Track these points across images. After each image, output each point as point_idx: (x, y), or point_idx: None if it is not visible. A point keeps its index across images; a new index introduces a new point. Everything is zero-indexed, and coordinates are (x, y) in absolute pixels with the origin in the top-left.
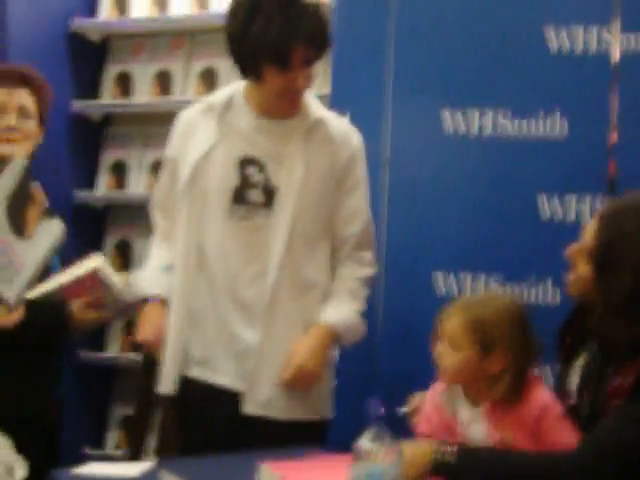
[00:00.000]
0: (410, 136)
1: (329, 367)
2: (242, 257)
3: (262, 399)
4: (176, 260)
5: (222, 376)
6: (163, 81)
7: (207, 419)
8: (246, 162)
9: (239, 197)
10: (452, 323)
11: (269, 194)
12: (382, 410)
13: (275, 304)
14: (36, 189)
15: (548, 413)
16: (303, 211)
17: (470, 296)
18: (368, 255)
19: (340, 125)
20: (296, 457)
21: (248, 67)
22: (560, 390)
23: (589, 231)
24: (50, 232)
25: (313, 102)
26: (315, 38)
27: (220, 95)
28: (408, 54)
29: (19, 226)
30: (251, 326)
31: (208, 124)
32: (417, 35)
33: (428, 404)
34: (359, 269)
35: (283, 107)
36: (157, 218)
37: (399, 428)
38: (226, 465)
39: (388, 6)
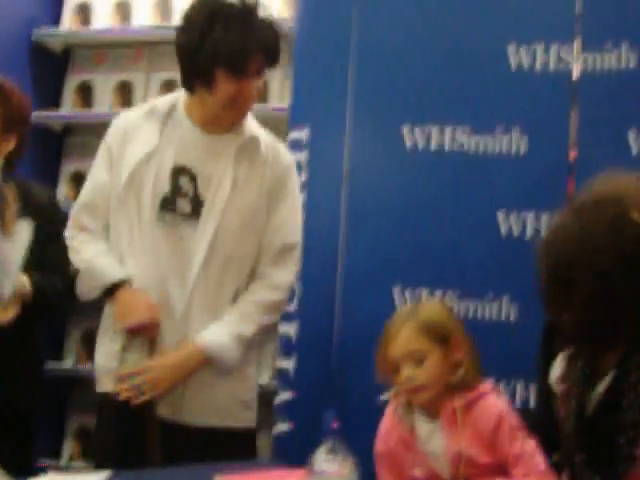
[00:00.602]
0: (370, 151)
1: (248, 378)
2: (169, 263)
3: (175, 402)
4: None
5: None
6: (124, 92)
7: (127, 421)
8: (179, 171)
9: (168, 205)
10: (404, 341)
11: (197, 206)
12: (337, 424)
13: (190, 313)
14: (11, 188)
15: (503, 424)
16: (227, 229)
17: (399, 313)
18: (283, 277)
19: (272, 144)
20: (251, 470)
21: (201, 74)
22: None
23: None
24: (26, 231)
25: (249, 119)
26: (270, 50)
27: (162, 102)
28: (369, 69)
29: (1, 225)
30: (172, 330)
31: (149, 129)
32: (378, 50)
33: (385, 422)
34: (265, 293)
35: (230, 117)
36: (83, 219)
37: (354, 442)
38: (180, 477)
39: (350, 22)
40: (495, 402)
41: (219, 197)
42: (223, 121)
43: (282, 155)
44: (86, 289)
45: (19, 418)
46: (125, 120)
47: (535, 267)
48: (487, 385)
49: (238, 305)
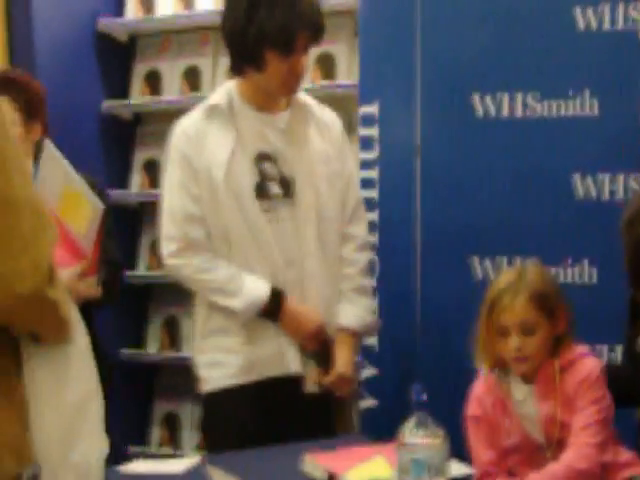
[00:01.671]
0: (440, 121)
1: None
2: (277, 247)
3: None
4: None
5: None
6: (192, 78)
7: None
8: (261, 157)
9: (261, 192)
10: (519, 310)
11: (286, 186)
12: (425, 396)
13: (309, 287)
14: None
15: (586, 381)
16: (323, 197)
17: (503, 277)
18: (364, 233)
19: (323, 107)
20: (340, 447)
21: (250, 56)
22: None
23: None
24: None
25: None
26: (315, 24)
27: (219, 97)
28: (435, 39)
29: None
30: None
31: (219, 127)
32: (444, 19)
33: (478, 385)
34: (360, 257)
35: (284, 95)
36: (192, 232)
37: (442, 414)
38: (270, 457)
39: None
40: (589, 364)
41: (306, 171)
42: (278, 100)
43: (332, 115)
44: (244, 312)
45: None
46: (189, 126)
47: (613, 229)
48: (583, 347)
49: (350, 282)
